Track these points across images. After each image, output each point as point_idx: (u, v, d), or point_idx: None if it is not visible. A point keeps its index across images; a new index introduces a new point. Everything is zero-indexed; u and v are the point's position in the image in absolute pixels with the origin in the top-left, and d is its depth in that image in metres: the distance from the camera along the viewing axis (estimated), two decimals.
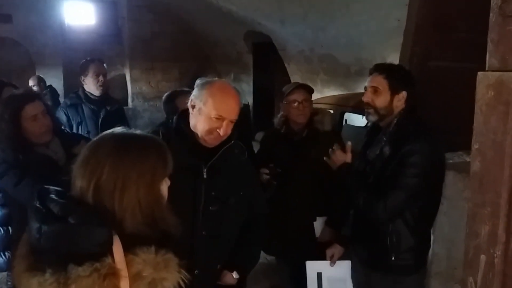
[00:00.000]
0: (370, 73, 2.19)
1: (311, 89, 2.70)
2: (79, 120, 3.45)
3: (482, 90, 1.38)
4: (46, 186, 1.17)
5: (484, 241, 1.42)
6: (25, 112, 2.22)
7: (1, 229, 2.37)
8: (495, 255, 1.38)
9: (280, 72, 7.64)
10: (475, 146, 1.43)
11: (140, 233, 1.12)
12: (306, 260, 2.48)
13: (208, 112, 1.75)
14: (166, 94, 2.92)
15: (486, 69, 1.39)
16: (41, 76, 6.44)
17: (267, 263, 3.57)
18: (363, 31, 5.23)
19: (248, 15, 6.84)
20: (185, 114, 1.86)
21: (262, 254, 2.93)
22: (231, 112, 1.78)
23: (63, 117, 3.40)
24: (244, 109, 8.13)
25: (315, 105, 4.69)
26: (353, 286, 2.39)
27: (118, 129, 1.25)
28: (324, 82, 6.77)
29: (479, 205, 1.43)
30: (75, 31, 8.64)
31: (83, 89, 3.54)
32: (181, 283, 1.10)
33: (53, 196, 1.12)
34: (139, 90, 8.87)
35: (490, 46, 1.36)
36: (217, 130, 1.76)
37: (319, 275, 2.18)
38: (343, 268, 2.40)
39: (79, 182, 1.14)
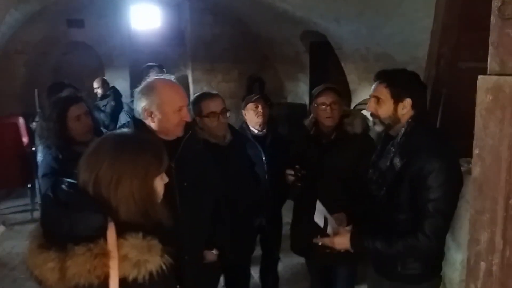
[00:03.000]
0: (374, 80, 2.11)
1: (339, 91, 2.69)
2: None
3: (482, 94, 1.36)
4: (61, 178, 1.36)
5: (484, 248, 1.39)
6: (70, 113, 2.46)
7: None
8: (493, 262, 1.35)
9: (337, 72, 7.56)
10: (475, 151, 1.40)
11: (133, 221, 1.27)
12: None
13: (170, 110, 1.89)
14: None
15: (488, 72, 1.36)
16: (105, 78, 6.91)
17: (298, 263, 3.61)
18: (418, 29, 5.06)
19: (303, 15, 6.85)
20: (138, 121, 1.95)
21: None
22: (184, 97, 1.95)
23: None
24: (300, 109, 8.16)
25: (360, 106, 4.64)
26: None
27: (122, 130, 1.44)
28: None
29: (479, 211, 1.40)
30: (141, 34, 9.13)
31: None
32: (163, 266, 1.22)
33: (63, 186, 1.31)
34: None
35: (491, 49, 1.33)
36: (184, 118, 1.91)
37: (326, 219, 2.15)
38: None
39: (82, 175, 1.31)
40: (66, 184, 1.31)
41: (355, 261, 2.68)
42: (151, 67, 3.76)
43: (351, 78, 7.24)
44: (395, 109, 1.99)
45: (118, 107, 6.49)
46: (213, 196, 2.17)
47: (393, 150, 2.01)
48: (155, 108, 1.89)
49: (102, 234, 1.20)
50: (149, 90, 1.91)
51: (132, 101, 3.62)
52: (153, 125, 1.92)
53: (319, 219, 2.07)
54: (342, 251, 2.10)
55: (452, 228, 2.17)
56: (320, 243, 2.08)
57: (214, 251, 2.19)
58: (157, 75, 3.12)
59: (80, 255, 1.17)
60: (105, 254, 1.18)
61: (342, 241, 2.05)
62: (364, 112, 2.61)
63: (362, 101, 4.75)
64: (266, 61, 9.51)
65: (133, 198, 1.28)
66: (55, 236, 1.21)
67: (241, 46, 9.01)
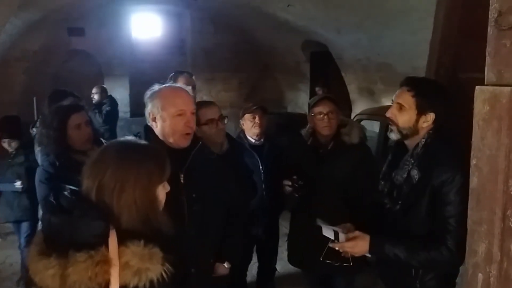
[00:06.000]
0: (400, 85, 1.98)
1: (336, 101, 2.68)
2: None
3: (479, 104, 1.36)
4: (63, 184, 1.36)
5: (481, 259, 1.38)
6: (71, 121, 2.46)
7: None
8: (490, 274, 1.33)
9: (338, 82, 7.58)
10: (473, 161, 1.40)
11: (135, 229, 1.27)
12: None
13: (169, 113, 1.87)
14: None
15: (485, 83, 1.36)
16: (105, 86, 6.91)
17: (296, 275, 3.58)
18: (419, 40, 5.08)
19: (304, 25, 6.89)
20: (149, 128, 1.96)
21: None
22: (188, 103, 1.90)
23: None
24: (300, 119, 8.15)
25: (360, 116, 4.64)
26: None
27: (126, 138, 1.45)
28: (382, 91, 6.62)
29: (477, 222, 1.40)
30: (141, 43, 9.20)
31: None
32: (164, 274, 1.22)
33: (65, 192, 1.31)
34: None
35: (487, 60, 1.33)
36: (186, 125, 1.87)
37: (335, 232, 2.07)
38: None
39: (86, 181, 1.32)
40: (69, 190, 1.32)
41: (353, 272, 2.66)
42: (180, 73, 3.67)
43: (352, 88, 7.25)
44: (417, 120, 1.88)
45: (113, 115, 6.52)
46: (223, 207, 2.13)
47: (412, 161, 1.91)
48: (156, 111, 1.89)
49: (103, 241, 1.19)
50: (153, 94, 1.93)
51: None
52: (157, 130, 1.92)
53: (327, 233, 2.01)
54: (357, 255, 1.98)
55: None
56: (337, 248, 1.95)
57: (226, 265, 2.13)
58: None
59: (81, 262, 1.16)
60: (106, 262, 1.17)
61: (361, 245, 1.90)
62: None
63: (363, 110, 4.75)
64: (267, 71, 9.54)
65: (135, 205, 1.29)
66: (56, 242, 1.21)
67: (242, 55, 9.06)
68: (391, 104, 2.01)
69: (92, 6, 7.83)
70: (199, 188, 1.93)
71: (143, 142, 1.44)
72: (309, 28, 6.95)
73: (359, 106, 6.88)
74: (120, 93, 8.30)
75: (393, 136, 1.97)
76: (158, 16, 9.46)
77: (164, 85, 1.99)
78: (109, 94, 6.65)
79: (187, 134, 1.91)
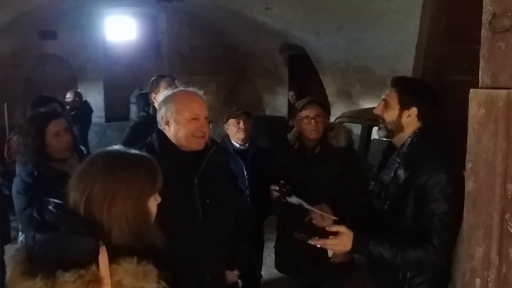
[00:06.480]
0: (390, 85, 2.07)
1: (324, 104, 2.67)
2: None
3: (474, 108, 1.34)
4: (46, 198, 1.27)
5: (478, 264, 1.36)
6: (49, 128, 2.35)
7: None
8: (488, 279, 1.32)
9: (316, 84, 7.61)
10: (468, 165, 1.38)
11: (126, 244, 1.19)
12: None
13: (183, 117, 1.86)
14: None
15: (479, 86, 1.35)
16: (79, 91, 6.73)
17: (281, 280, 3.55)
18: (397, 42, 5.13)
19: (282, 28, 6.89)
20: (161, 133, 1.93)
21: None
22: (202, 107, 1.90)
23: (130, 135, 3.30)
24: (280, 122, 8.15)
25: (341, 119, 4.66)
26: None
27: (114, 147, 1.35)
28: (360, 94, 6.68)
29: (474, 226, 1.38)
30: (116, 46, 9.02)
31: (154, 108, 3.29)
32: None
33: (50, 207, 1.22)
34: None
35: (482, 63, 1.32)
36: (199, 129, 1.86)
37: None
38: None
39: (72, 194, 1.23)
40: (53, 204, 1.23)
41: (342, 277, 2.64)
42: (162, 77, 3.56)
43: (330, 91, 7.29)
44: (400, 115, 1.94)
45: (86, 121, 6.35)
46: (234, 213, 2.11)
47: (398, 160, 1.96)
48: (170, 115, 1.88)
49: (93, 259, 1.12)
50: (167, 98, 1.92)
51: None
52: (169, 134, 1.90)
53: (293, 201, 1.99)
54: (339, 253, 1.94)
55: None
56: (318, 245, 1.86)
57: (236, 272, 2.10)
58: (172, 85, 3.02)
59: (70, 283, 1.08)
60: (97, 281, 1.09)
61: (344, 242, 1.83)
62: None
63: (344, 113, 4.76)
64: (245, 74, 9.51)
65: (126, 219, 1.21)
66: (42, 261, 1.12)
67: (219, 59, 9.00)
68: (372, 106, 2.06)
69: (64, 9, 7.63)
70: (213, 193, 1.91)
71: (132, 151, 1.35)
72: (287, 31, 6.96)
73: (337, 109, 6.92)
74: (95, 97, 8.13)
75: (380, 133, 2.03)
76: (133, 19, 9.31)
77: (178, 89, 1.98)
78: (84, 99, 6.49)
79: (200, 137, 1.89)
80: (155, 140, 1.91)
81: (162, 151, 1.85)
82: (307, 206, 2.02)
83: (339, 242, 1.84)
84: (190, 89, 1.97)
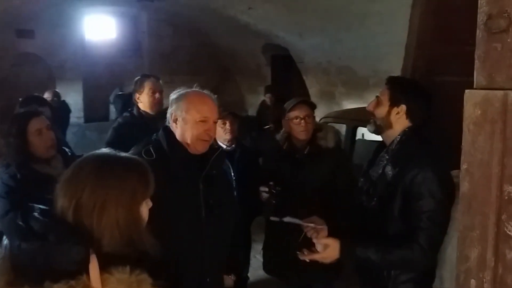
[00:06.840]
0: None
1: (313, 104, 2.67)
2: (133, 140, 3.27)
3: (470, 108, 1.34)
4: (31, 204, 1.21)
5: (474, 265, 1.36)
6: (30, 126, 2.29)
7: None
8: (484, 280, 1.32)
9: (299, 85, 7.62)
10: (463, 166, 1.38)
11: (118, 252, 1.15)
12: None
13: (192, 118, 1.85)
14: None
15: (474, 86, 1.35)
16: (57, 91, 6.55)
17: (267, 282, 3.53)
18: (380, 43, 5.17)
19: (265, 28, 6.88)
20: (169, 130, 1.93)
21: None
22: (213, 111, 1.90)
23: (114, 137, 3.21)
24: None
25: (326, 119, 4.67)
26: None
27: (103, 150, 1.29)
28: (343, 94, 6.72)
29: (469, 227, 1.38)
30: (95, 46, 8.84)
31: (138, 108, 3.33)
32: None
33: (35, 214, 1.17)
34: None
35: (477, 64, 1.32)
36: (206, 132, 1.86)
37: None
38: None
39: (60, 201, 1.17)
40: (39, 211, 1.17)
41: (332, 278, 2.63)
42: (146, 77, 3.48)
43: (313, 91, 7.32)
44: (389, 112, 1.97)
45: (65, 122, 6.21)
46: (233, 216, 2.10)
47: (387, 157, 1.98)
48: (179, 113, 1.87)
49: (83, 268, 1.07)
50: (180, 96, 1.91)
51: None
52: (176, 132, 1.90)
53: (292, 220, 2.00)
54: (328, 262, 1.93)
55: None
56: (308, 260, 1.90)
57: (232, 277, 2.10)
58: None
59: None
60: None
61: (331, 252, 1.87)
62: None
63: (328, 114, 4.78)
64: (227, 74, 9.46)
65: (117, 226, 1.16)
66: (28, 272, 1.07)
67: (201, 59, 8.93)
68: (356, 107, 2.10)
69: (42, 7, 7.44)
70: (216, 194, 1.91)
71: (123, 154, 1.30)
72: (270, 31, 6.96)
73: (320, 110, 6.92)
74: (73, 97, 7.96)
75: (369, 128, 2.06)
76: (113, 18, 9.15)
77: (191, 89, 1.98)
78: (62, 99, 6.34)
79: (205, 141, 1.88)
80: (162, 137, 1.90)
81: (170, 148, 1.85)
82: (299, 222, 2.02)
83: (326, 255, 1.88)
84: (205, 91, 1.95)
